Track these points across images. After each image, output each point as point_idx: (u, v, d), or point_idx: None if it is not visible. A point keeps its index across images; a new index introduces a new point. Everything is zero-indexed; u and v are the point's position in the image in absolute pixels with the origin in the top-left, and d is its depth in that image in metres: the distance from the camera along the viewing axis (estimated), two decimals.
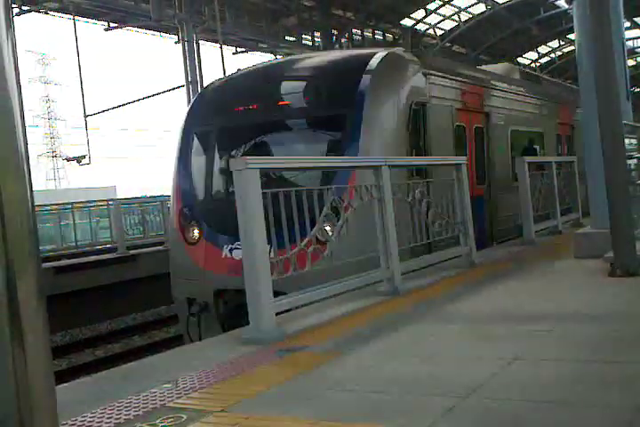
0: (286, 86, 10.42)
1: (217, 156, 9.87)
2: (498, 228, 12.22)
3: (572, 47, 39.00)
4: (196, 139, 10.09)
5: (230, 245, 8.73)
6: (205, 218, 9.34)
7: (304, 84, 10.42)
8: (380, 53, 9.82)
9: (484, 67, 17.18)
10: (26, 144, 2.21)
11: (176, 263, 9.79)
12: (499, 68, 16.54)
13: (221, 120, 10.00)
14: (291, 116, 9.78)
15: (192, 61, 23.61)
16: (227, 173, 9.29)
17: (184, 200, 9.77)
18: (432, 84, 10.31)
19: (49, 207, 22.10)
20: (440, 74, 10.75)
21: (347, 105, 8.99)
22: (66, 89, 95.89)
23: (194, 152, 10.00)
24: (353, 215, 7.08)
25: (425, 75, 10.17)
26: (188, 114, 10.47)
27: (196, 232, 9.36)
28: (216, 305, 8.95)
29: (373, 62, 9.45)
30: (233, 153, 9.85)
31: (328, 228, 7.41)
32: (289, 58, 13.68)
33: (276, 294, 7.06)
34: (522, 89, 14.71)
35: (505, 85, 13.80)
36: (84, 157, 23.93)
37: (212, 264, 8.99)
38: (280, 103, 9.87)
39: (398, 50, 11.08)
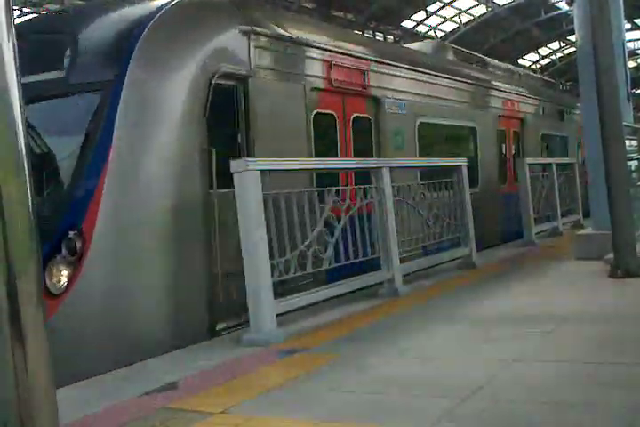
0: (31, 50, 6.34)
1: None
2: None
3: (573, 49, 39.10)
4: None
5: None
6: None
7: (53, 46, 6.66)
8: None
9: (408, 45, 13.95)
10: (26, 144, 2.22)
11: None
12: (424, 45, 13.48)
13: None
14: (33, 90, 5.88)
15: None
16: None
17: None
18: (261, 48, 7.04)
19: None
20: (279, 34, 7.40)
21: (102, 75, 5.99)
22: None
23: None
24: (100, 257, 5.25)
25: (247, 33, 6.88)
26: None
27: None
28: None
29: (155, 12, 6.35)
30: None
31: (65, 273, 5.21)
32: (52, 11, 10.04)
33: None
34: (446, 71, 11.36)
35: (414, 63, 10.33)
36: None
37: None
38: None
39: None
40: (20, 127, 2.20)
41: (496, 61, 16.11)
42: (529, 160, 11.66)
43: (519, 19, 37.97)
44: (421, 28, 36.80)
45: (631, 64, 42.56)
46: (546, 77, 20.65)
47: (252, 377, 4.53)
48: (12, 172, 2.16)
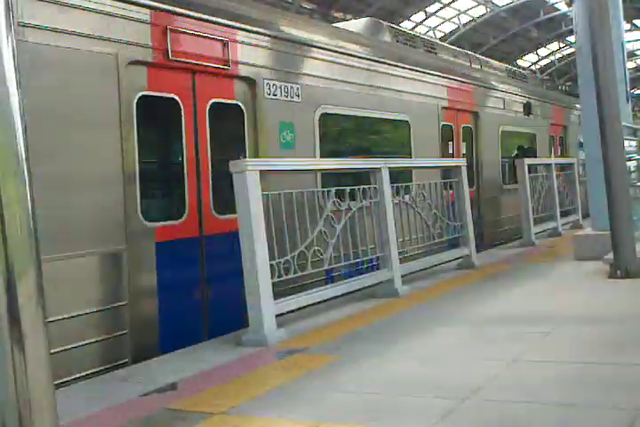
0: None
1: None
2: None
3: (572, 49, 39.14)
4: None
5: None
6: None
7: None
8: None
9: (340, 24, 11.70)
10: (26, 145, 2.22)
11: None
12: (354, 24, 11.23)
13: None
14: None
15: None
16: None
17: None
18: None
19: None
20: None
21: None
22: None
23: None
24: None
25: None
26: None
27: None
28: None
29: None
30: None
31: None
32: None
33: None
34: (373, 52, 9.26)
35: (319, 39, 8.21)
36: None
37: None
38: None
39: None
40: (20, 128, 2.21)
41: (449, 46, 13.81)
42: (528, 161, 11.65)
43: (518, 19, 37.99)
44: (421, 29, 36.81)
45: (630, 65, 42.65)
46: (512, 67, 17.18)
47: (252, 378, 4.53)
48: (12, 172, 2.16)
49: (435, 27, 37.71)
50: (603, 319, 5.57)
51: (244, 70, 6.88)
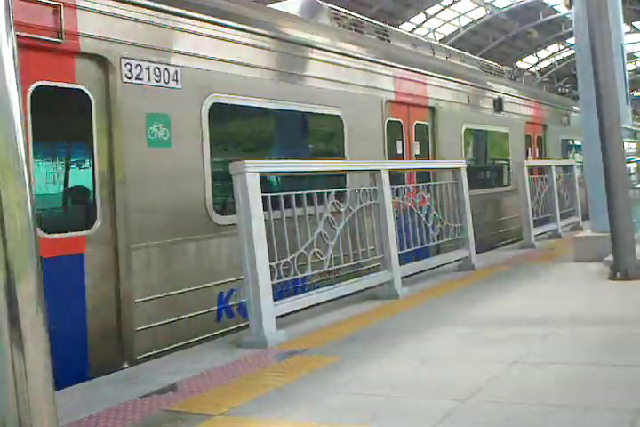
0: None
1: None
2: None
3: (572, 51, 39.16)
4: None
5: None
6: None
7: None
8: None
9: (277, 4, 9.91)
10: (26, 148, 2.23)
11: None
12: (290, 4, 9.61)
13: None
14: None
15: None
16: None
17: None
18: None
19: None
20: None
21: None
22: None
23: None
24: None
25: None
26: None
27: None
28: None
29: None
30: None
31: None
32: None
33: None
34: (295, 35, 7.86)
35: (208, 12, 6.63)
36: None
37: None
38: None
39: None
40: (20, 130, 2.21)
41: (407, 33, 12.10)
42: (528, 163, 11.65)
43: (518, 21, 38.04)
44: (421, 31, 36.85)
45: (630, 67, 42.67)
46: (485, 59, 15.80)
47: (252, 379, 4.53)
48: (12, 174, 2.17)
49: (435, 29, 37.77)
50: (603, 321, 5.57)
51: (88, 46, 5.42)
